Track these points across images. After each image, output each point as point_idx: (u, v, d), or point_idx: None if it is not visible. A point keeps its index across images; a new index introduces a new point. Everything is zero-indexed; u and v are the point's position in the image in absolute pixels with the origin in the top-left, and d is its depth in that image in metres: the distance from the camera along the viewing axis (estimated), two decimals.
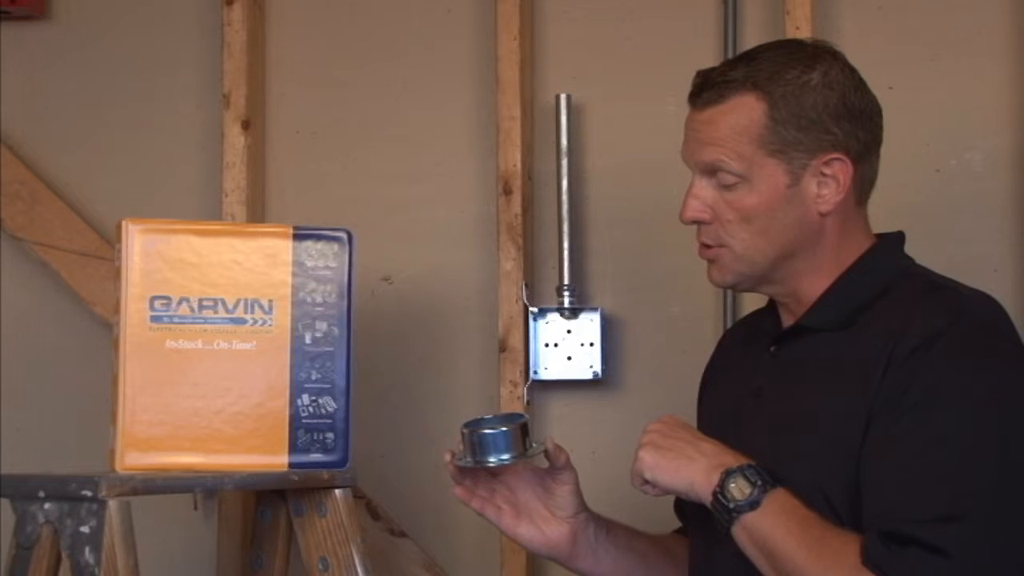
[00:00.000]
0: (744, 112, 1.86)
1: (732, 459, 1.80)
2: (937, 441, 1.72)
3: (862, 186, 1.89)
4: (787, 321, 1.94)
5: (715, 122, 1.87)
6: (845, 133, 1.85)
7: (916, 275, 1.89)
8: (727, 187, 1.87)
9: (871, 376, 1.77)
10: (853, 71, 1.89)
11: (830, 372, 1.83)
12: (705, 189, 1.89)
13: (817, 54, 1.88)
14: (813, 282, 1.89)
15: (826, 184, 1.86)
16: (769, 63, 1.87)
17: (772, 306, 1.98)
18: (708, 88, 1.89)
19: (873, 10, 2.51)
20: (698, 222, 1.91)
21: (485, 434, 1.89)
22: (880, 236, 1.93)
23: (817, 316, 1.88)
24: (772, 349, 1.93)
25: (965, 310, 1.79)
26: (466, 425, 1.92)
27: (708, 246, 1.91)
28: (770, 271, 1.89)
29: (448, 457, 1.94)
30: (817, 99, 1.85)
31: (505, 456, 1.89)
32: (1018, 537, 1.71)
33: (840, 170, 1.85)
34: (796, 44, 1.94)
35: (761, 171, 1.86)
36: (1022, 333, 1.90)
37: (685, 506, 2.07)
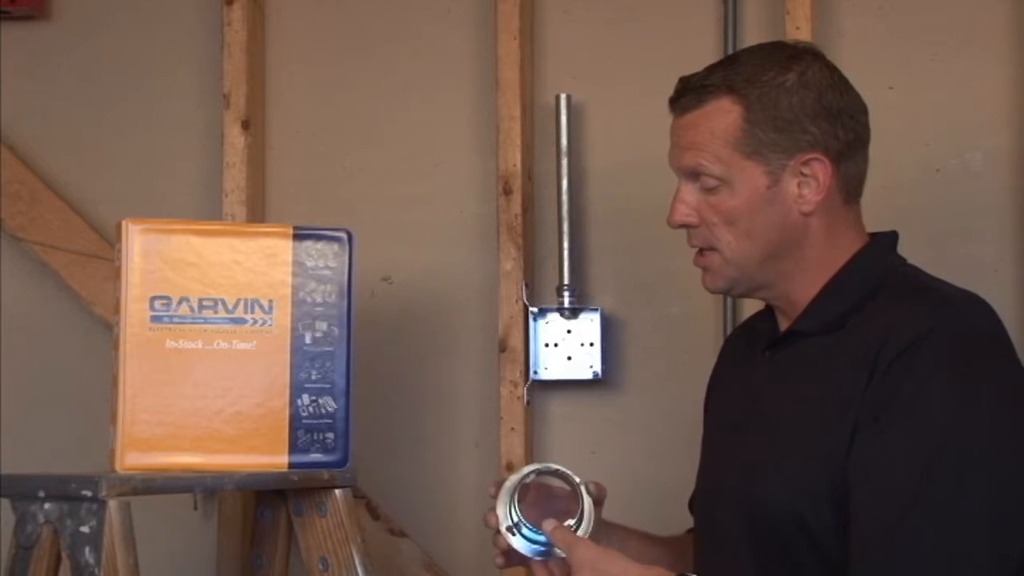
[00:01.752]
0: (720, 116, 1.86)
1: None
2: (903, 463, 1.71)
3: (847, 185, 1.88)
4: (783, 325, 1.94)
5: (694, 127, 1.88)
6: (823, 132, 1.85)
7: (904, 276, 1.88)
8: (709, 190, 1.88)
9: (856, 383, 1.76)
10: (833, 70, 1.89)
11: (819, 377, 1.82)
12: (690, 193, 1.90)
13: (796, 55, 1.88)
14: (803, 284, 1.89)
15: (806, 184, 1.85)
16: (746, 66, 1.88)
17: (770, 310, 1.98)
18: (687, 93, 1.90)
19: (873, 10, 2.51)
20: (685, 226, 1.91)
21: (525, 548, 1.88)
22: (873, 236, 1.93)
23: (808, 320, 1.88)
24: (767, 354, 1.93)
25: (949, 314, 1.78)
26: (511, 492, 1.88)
27: (700, 252, 1.92)
28: (759, 273, 1.89)
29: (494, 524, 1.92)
30: (793, 100, 1.85)
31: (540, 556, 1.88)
32: (977, 563, 1.69)
33: (819, 170, 1.85)
34: (777, 46, 1.94)
35: (740, 173, 1.86)
36: (1021, 335, 1.90)
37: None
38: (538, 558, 1.87)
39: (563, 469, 1.87)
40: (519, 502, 1.88)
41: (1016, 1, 2.46)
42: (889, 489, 1.71)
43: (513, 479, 1.88)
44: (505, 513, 1.88)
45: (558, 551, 1.83)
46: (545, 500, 1.95)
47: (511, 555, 1.92)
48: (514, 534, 1.87)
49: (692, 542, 2.06)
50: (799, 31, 2.42)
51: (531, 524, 1.87)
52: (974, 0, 2.48)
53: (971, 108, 2.47)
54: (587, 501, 1.86)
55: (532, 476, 1.89)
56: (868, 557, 1.70)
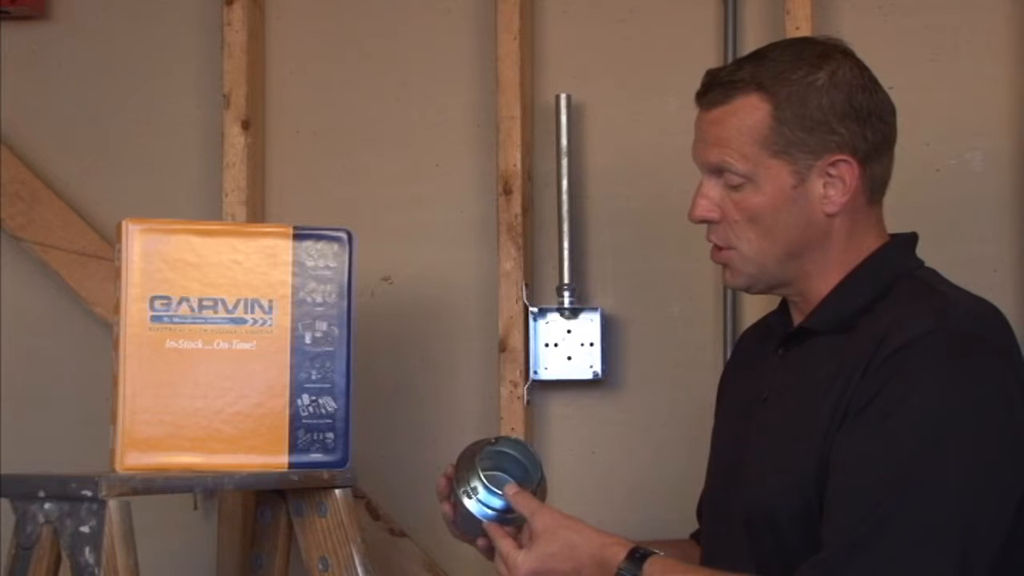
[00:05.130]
0: (749, 113, 1.85)
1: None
2: (877, 457, 1.71)
3: (872, 186, 1.87)
4: (796, 321, 1.93)
5: (721, 122, 1.87)
6: (851, 133, 1.84)
7: (917, 279, 1.88)
8: (733, 187, 1.87)
9: (851, 379, 1.76)
10: (864, 70, 1.88)
11: (823, 375, 1.82)
12: (713, 189, 1.89)
13: (826, 53, 1.87)
14: (821, 282, 1.88)
15: (832, 185, 1.85)
16: (776, 63, 1.86)
17: (784, 306, 1.98)
18: (714, 88, 1.88)
19: (873, 10, 2.51)
20: (706, 221, 1.90)
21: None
22: (893, 237, 1.92)
23: (819, 318, 1.88)
24: (780, 351, 1.93)
25: (951, 318, 1.77)
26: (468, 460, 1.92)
27: (719, 248, 1.91)
28: (779, 272, 1.89)
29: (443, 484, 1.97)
30: (823, 100, 1.84)
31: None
32: (940, 557, 1.68)
33: (846, 171, 1.84)
34: (806, 43, 1.93)
35: (766, 172, 1.85)
36: (1021, 335, 1.89)
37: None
38: (490, 522, 1.88)
39: (523, 440, 1.94)
40: (482, 469, 1.90)
41: (1016, 1, 2.46)
42: (866, 478, 1.71)
43: (473, 447, 1.91)
44: (464, 477, 1.89)
45: (512, 517, 1.86)
46: None
47: (458, 524, 1.94)
48: (470, 497, 1.88)
49: (695, 547, 2.05)
50: (799, 31, 2.42)
51: (493, 488, 1.88)
52: (974, 0, 2.48)
53: (971, 108, 2.47)
54: (544, 475, 1.90)
55: (496, 445, 1.91)
56: (834, 545, 1.70)
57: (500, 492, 1.87)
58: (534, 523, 1.83)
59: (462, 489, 1.89)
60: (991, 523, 1.71)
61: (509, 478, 1.91)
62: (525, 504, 1.85)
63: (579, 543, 1.81)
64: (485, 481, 1.88)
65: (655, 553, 1.78)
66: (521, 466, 1.92)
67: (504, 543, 1.85)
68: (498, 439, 1.94)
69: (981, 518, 1.70)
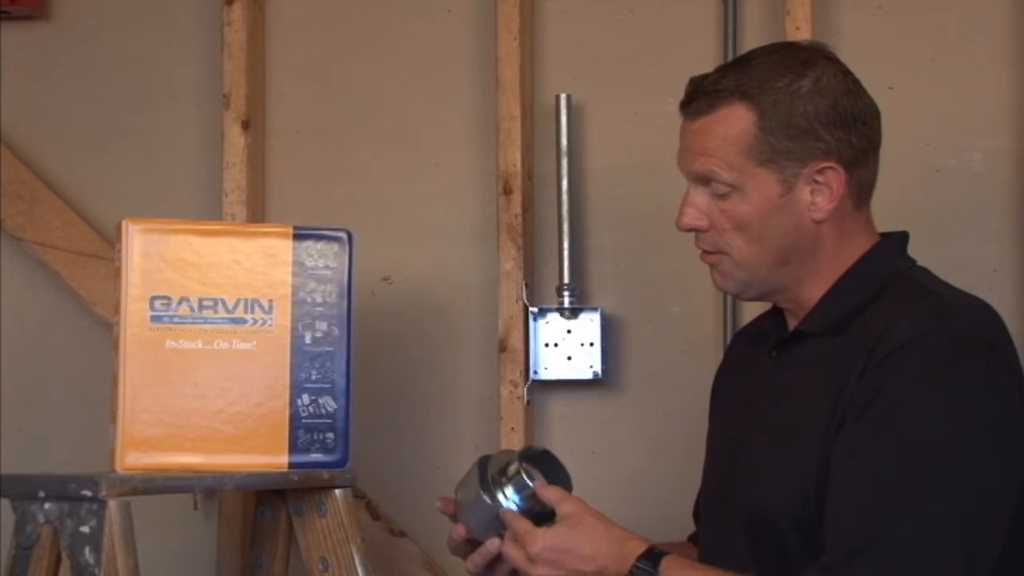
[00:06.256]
0: (733, 122, 1.85)
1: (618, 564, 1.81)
2: (879, 458, 1.71)
3: (859, 190, 1.87)
4: (791, 325, 1.93)
5: (706, 132, 1.87)
6: (837, 140, 1.84)
7: (910, 278, 1.88)
8: (720, 196, 1.87)
9: (847, 382, 1.77)
10: (847, 75, 1.88)
11: (819, 378, 1.82)
12: (700, 197, 1.89)
13: (810, 59, 1.86)
14: (813, 287, 1.88)
15: (819, 192, 1.84)
16: (760, 71, 1.85)
17: (779, 309, 1.97)
18: (699, 97, 1.88)
19: (873, 10, 2.51)
20: (694, 230, 1.90)
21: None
22: (884, 236, 1.92)
23: (814, 321, 1.88)
24: (773, 354, 1.93)
25: (945, 318, 1.77)
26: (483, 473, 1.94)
27: (708, 253, 1.91)
28: (771, 278, 1.89)
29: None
30: (807, 107, 1.83)
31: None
32: (943, 557, 1.69)
33: (833, 178, 1.84)
34: (790, 49, 1.92)
35: (752, 180, 1.85)
36: (1022, 334, 1.89)
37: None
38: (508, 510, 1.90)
39: (557, 457, 1.94)
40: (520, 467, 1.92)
41: (1016, 1, 2.46)
42: (867, 481, 1.71)
43: (506, 451, 1.96)
44: (498, 468, 1.92)
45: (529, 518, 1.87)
46: None
47: (473, 529, 1.94)
48: (499, 487, 1.90)
49: (693, 549, 2.06)
50: (799, 31, 2.42)
51: (525, 479, 1.89)
52: (974, 0, 2.48)
53: (971, 108, 2.47)
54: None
55: (529, 453, 1.95)
56: (838, 547, 1.71)
57: (530, 485, 1.88)
58: (562, 508, 1.85)
59: (491, 478, 1.90)
60: (993, 521, 1.71)
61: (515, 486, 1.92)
62: (554, 494, 1.87)
63: (602, 531, 1.83)
64: (521, 475, 1.89)
65: (671, 554, 1.80)
66: (551, 477, 1.93)
67: (521, 523, 1.86)
68: (543, 451, 1.95)
69: (983, 517, 1.70)
